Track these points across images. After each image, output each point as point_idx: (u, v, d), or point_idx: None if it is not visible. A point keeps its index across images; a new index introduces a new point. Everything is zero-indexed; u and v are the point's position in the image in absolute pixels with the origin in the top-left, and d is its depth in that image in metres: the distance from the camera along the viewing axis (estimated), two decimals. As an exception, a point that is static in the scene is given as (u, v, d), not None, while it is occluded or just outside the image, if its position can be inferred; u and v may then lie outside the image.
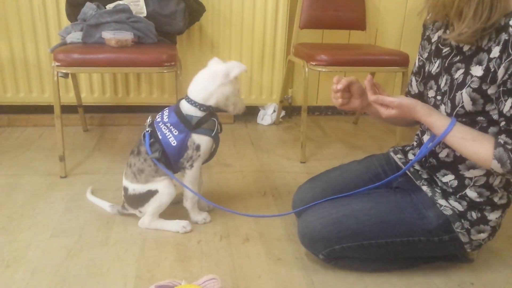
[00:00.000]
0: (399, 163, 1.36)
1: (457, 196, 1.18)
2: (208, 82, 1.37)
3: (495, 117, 1.06)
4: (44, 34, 2.30)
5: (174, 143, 1.36)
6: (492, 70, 1.02)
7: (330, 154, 2.18)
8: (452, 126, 1.06)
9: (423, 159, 1.28)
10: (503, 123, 1.03)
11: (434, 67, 1.21)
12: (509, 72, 0.99)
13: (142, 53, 1.77)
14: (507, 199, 1.17)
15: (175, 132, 1.36)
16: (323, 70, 2.01)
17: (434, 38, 1.23)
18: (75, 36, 1.93)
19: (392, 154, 1.41)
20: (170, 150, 1.37)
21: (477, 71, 1.06)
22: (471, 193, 1.16)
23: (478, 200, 1.15)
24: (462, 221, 1.16)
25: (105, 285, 1.18)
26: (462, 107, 1.09)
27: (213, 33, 2.45)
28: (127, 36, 1.84)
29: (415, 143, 1.36)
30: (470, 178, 1.16)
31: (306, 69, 2.05)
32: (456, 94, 1.10)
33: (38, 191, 1.68)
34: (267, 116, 2.62)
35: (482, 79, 1.05)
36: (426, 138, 1.27)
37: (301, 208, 1.33)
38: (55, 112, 1.76)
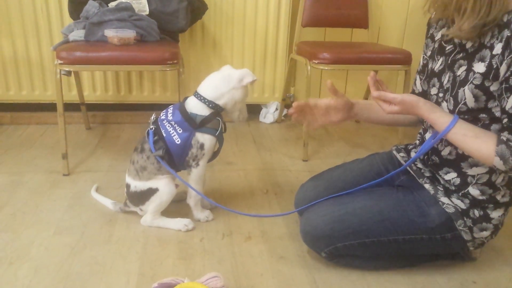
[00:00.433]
0: (402, 161, 1.36)
1: (460, 194, 1.17)
2: (221, 83, 1.39)
3: (498, 114, 1.06)
4: (47, 32, 2.30)
5: (178, 141, 1.36)
6: (494, 66, 1.02)
7: (332, 153, 2.18)
8: (454, 123, 1.05)
9: (425, 157, 1.28)
10: (505, 120, 1.02)
11: (437, 65, 1.20)
12: (511, 69, 0.99)
13: (144, 51, 1.77)
14: (510, 197, 1.17)
15: (180, 130, 1.36)
16: (326, 68, 2.01)
17: (438, 36, 1.23)
18: (78, 34, 1.93)
19: (394, 152, 1.41)
20: (174, 148, 1.37)
21: (479, 67, 1.05)
22: (473, 191, 1.15)
23: (480, 198, 1.15)
24: (465, 219, 1.15)
25: (107, 282, 1.18)
26: (465, 104, 1.09)
27: (216, 31, 2.45)
28: (129, 34, 1.84)
29: (417, 142, 1.35)
30: (473, 176, 1.15)
31: (309, 67, 2.05)
32: (459, 91, 1.10)
33: (41, 188, 1.68)
34: (269, 115, 2.62)
35: (484, 75, 1.04)
36: (428, 136, 1.26)
37: (304, 206, 1.33)
38: (58, 110, 1.76)
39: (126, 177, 1.45)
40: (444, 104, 1.15)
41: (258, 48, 2.50)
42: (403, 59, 2.07)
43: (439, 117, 1.08)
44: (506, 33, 1.00)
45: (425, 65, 1.30)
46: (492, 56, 1.03)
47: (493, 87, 1.04)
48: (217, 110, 1.39)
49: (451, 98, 1.13)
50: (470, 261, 1.32)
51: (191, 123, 1.36)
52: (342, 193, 1.29)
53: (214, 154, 1.48)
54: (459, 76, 1.11)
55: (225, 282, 1.12)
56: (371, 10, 2.42)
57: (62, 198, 1.62)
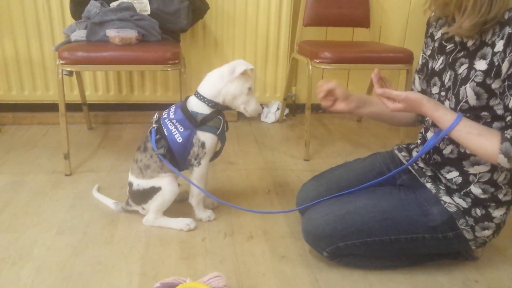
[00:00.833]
0: (404, 160, 1.35)
1: (462, 192, 1.17)
2: (216, 80, 1.37)
3: (499, 112, 1.06)
4: (49, 32, 2.31)
5: (179, 139, 1.36)
6: (496, 64, 1.02)
7: (334, 152, 2.18)
8: (458, 121, 1.05)
9: (427, 156, 1.28)
10: (509, 118, 1.02)
11: (438, 64, 1.20)
12: None
13: (146, 51, 1.77)
14: (512, 196, 1.17)
15: (181, 128, 1.36)
16: (327, 67, 2.01)
17: (438, 35, 1.23)
18: (79, 34, 1.93)
19: (396, 152, 1.41)
20: (176, 147, 1.37)
21: (481, 65, 1.05)
22: (475, 190, 1.15)
23: (482, 196, 1.15)
24: (467, 218, 1.15)
25: (110, 282, 1.18)
26: (466, 102, 1.09)
27: (217, 31, 2.45)
28: (131, 34, 1.84)
29: (419, 141, 1.35)
30: (475, 175, 1.15)
31: (310, 66, 2.05)
32: (460, 89, 1.10)
33: (43, 189, 1.69)
34: (270, 114, 2.62)
35: (486, 73, 1.04)
36: (430, 135, 1.26)
37: (306, 205, 1.33)
38: (60, 110, 1.77)
39: (129, 176, 1.45)
40: (446, 102, 1.15)
41: (260, 48, 2.50)
42: (405, 58, 2.06)
43: (443, 115, 1.07)
44: (508, 30, 0.99)
45: (424, 64, 1.29)
46: (494, 54, 1.03)
47: (495, 85, 1.04)
48: (218, 109, 1.39)
49: (452, 96, 1.13)
50: (472, 260, 1.32)
51: (192, 122, 1.36)
52: (344, 192, 1.29)
53: (216, 153, 1.48)
54: (460, 74, 1.11)
55: (227, 281, 1.12)
56: (373, 9, 2.42)
57: (64, 198, 1.62)
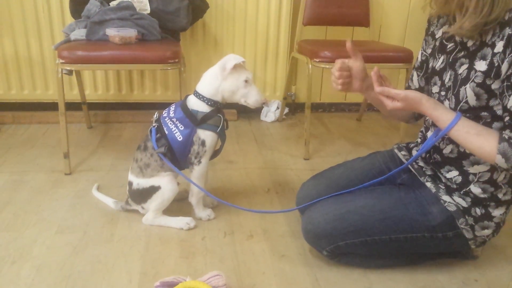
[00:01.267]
0: (403, 159, 1.35)
1: (461, 192, 1.17)
2: (212, 78, 1.37)
3: (499, 112, 1.06)
4: (48, 32, 2.30)
5: (180, 138, 1.36)
6: (496, 64, 1.02)
7: (333, 151, 2.18)
8: (457, 120, 1.05)
9: (427, 155, 1.28)
10: (507, 118, 1.02)
11: (439, 63, 1.20)
12: None
13: (146, 50, 1.77)
14: (511, 195, 1.17)
15: (181, 127, 1.36)
16: (327, 66, 2.01)
17: (438, 34, 1.23)
18: (79, 33, 1.93)
19: (396, 150, 1.41)
20: (176, 145, 1.37)
21: (481, 66, 1.05)
22: (475, 189, 1.15)
23: (482, 196, 1.15)
24: (466, 217, 1.15)
25: (110, 281, 1.18)
26: (466, 102, 1.09)
27: (217, 30, 2.45)
28: (131, 33, 1.84)
29: (419, 140, 1.35)
30: (474, 174, 1.15)
31: (310, 66, 2.05)
32: (460, 89, 1.10)
33: (43, 188, 1.69)
34: (270, 113, 2.62)
35: (486, 73, 1.04)
36: (430, 134, 1.26)
37: (305, 204, 1.33)
38: (60, 109, 1.77)
39: (128, 175, 1.45)
40: (446, 102, 1.15)
41: (259, 47, 2.50)
42: (404, 57, 2.07)
43: (442, 114, 1.07)
44: (508, 31, 0.99)
45: (423, 62, 1.29)
46: (494, 54, 1.03)
47: (495, 85, 1.04)
48: (217, 107, 1.39)
49: (452, 96, 1.13)
50: (471, 259, 1.32)
51: (192, 120, 1.36)
52: (344, 191, 1.29)
53: (216, 152, 1.48)
54: (460, 74, 1.11)
55: (227, 280, 1.12)
56: (372, 9, 2.42)
57: (64, 197, 1.62)
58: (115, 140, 2.23)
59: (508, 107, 1.01)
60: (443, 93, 1.17)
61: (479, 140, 1.03)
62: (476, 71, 1.06)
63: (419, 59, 1.31)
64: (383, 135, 2.44)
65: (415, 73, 1.33)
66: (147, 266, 1.25)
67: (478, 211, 1.16)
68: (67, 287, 1.15)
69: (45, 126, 2.38)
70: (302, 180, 1.53)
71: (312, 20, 2.38)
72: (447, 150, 1.20)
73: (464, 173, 1.17)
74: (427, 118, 1.27)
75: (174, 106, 1.42)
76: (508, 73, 1.00)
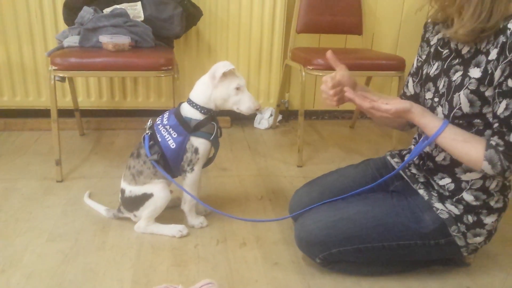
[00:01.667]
0: (396, 166, 1.36)
1: (454, 199, 1.18)
2: (203, 86, 1.37)
3: (492, 119, 1.07)
4: (41, 38, 2.30)
5: (173, 145, 1.36)
6: (489, 72, 1.03)
7: (327, 158, 2.19)
8: (444, 127, 1.06)
9: (421, 162, 1.28)
10: (496, 125, 1.03)
11: (433, 69, 1.21)
12: (505, 74, 0.99)
13: (139, 57, 1.77)
14: (503, 203, 1.18)
15: (174, 134, 1.36)
16: (320, 74, 2.02)
17: (434, 40, 1.24)
18: (72, 40, 1.93)
19: (389, 158, 1.41)
20: (169, 153, 1.37)
21: (475, 73, 1.06)
22: (467, 197, 1.16)
23: (474, 203, 1.16)
24: (459, 224, 1.16)
25: (101, 289, 1.17)
26: (460, 109, 1.10)
27: (210, 37, 2.46)
28: (124, 40, 1.84)
29: (412, 147, 1.36)
30: (467, 181, 1.16)
31: (303, 73, 2.06)
32: (454, 96, 1.11)
33: (34, 195, 1.67)
34: (264, 120, 2.62)
35: (479, 80, 1.05)
36: (423, 141, 1.26)
37: (299, 212, 1.33)
38: (52, 116, 1.76)
39: (121, 182, 1.44)
40: (439, 108, 1.16)
41: (253, 54, 2.51)
42: (397, 65, 2.08)
43: (430, 122, 1.09)
44: (502, 39, 1.01)
45: (419, 68, 1.30)
46: (488, 62, 1.04)
47: (488, 93, 1.05)
48: (210, 115, 1.39)
49: (446, 103, 1.13)
50: (463, 267, 1.32)
51: (186, 127, 1.36)
52: (337, 198, 1.30)
53: (209, 160, 1.48)
54: (454, 81, 1.12)
55: (220, 288, 1.12)
56: (365, 17, 2.44)
57: (55, 204, 1.61)
58: (107, 147, 2.22)
59: (498, 113, 1.02)
60: (436, 99, 1.18)
61: (466, 146, 1.04)
62: (470, 78, 1.07)
63: (415, 65, 1.32)
64: (376, 143, 2.45)
65: (410, 79, 1.34)
66: (139, 274, 1.24)
67: (470, 218, 1.16)
68: (57, 296, 1.14)
69: (37, 133, 2.37)
70: (295, 187, 1.53)
71: (305, 28, 2.39)
72: (439, 157, 1.20)
73: (456, 181, 1.18)
74: None
75: (167, 113, 1.41)
76: (500, 80, 1.01)
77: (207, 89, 1.36)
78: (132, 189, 1.40)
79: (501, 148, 1.01)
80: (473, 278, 1.29)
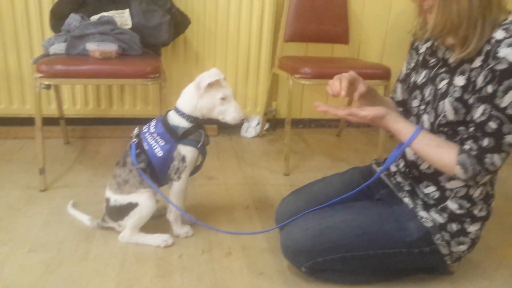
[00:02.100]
0: (381, 175, 1.37)
1: (438, 208, 1.19)
2: (189, 95, 1.37)
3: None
4: (27, 45, 2.27)
5: (160, 153, 1.35)
6: (472, 80, 1.05)
7: (313, 167, 2.19)
8: (417, 133, 1.08)
9: (407, 170, 1.29)
10: (471, 129, 1.05)
11: (420, 78, 1.22)
12: (486, 80, 1.01)
13: (126, 65, 1.76)
14: (487, 212, 1.19)
15: (162, 142, 1.35)
16: (307, 82, 2.03)
17: (422, 49, 1.25)
18: (59, 47, 1.91)
19: (374, 166, 1.42)
20: (156, 161, 1.36)
21: (459, 81, 1.08)
22: (452, 205, 1.17)
23: (458, 212, 1.17)
24: (443, 233, 1.17)
25: (83, 301, 1.15)
26: (444, 116, 1.11)
27: (198, 46, 2.46)
28: (111, 47, 1.83)
29: (397, 156, 1.37)
30: (451, 190, 1.17)
31: (291, 81, 2.07)
32: (439, 103, 1.12)
33: (17, 205, 1.64)
34: (251, 129, 2.62)
35: (464, 88, 1.07)
36: (408, 150, 1.28)
37: (285, 222, 1.32)
38: (36, 124, 1.74)
39: (106, 191, 1.43)
40: (425, 116, 1.17)
41: (241, 63, 2.51)
42: (383, 74, 2.10)
43: (403, 128, 1.10)
44: (486, 47, 1.02)
45: (407, 75, 1.31)
46: (471, 70, 1.05)
47: (472, 100, 1.06)
48: (198, 123, 1.39)
49: (432, 110, 1.15)
50: (447, 275, 1.33)
51: (173, 135, 1.35)
52: (323, 205, 1.29)
53: (197, 168, 1.47)
54: (440, 89, 1.13)
55: (204, 299, 1.11)
56: (352, 26, 2.47)
57: (38, 214, 1.58)
58: (93, 155, 2.20)
59: (474, 118, 1.04)
60: (422, 107, 1.20)
61: (439, 151, 1.06)
62: (455, 86, 1.09)
63: (404, 71, 1.34)
64: (362, 151, 2.47)
65: (399, 86, 1.35)
66: (122, 285, 1.22)
67: (454, 227, 1.17)
68: (38, 308, 1.12)
69: (21, 141, 2.33)
70: (281, 195, 1.52)
71: (293, 36, 2.41)
72: (424, 165, 1.21)
73: (441, 189, 1.19)
74: None
75: (154, 121, 1.41)
76: (481, 86, 1.03)
77: (192, 99, 1.36)
78: (117, 198, 1.39)
79: (473, 153, 1.03)
80: (456, 286, 1.29)
